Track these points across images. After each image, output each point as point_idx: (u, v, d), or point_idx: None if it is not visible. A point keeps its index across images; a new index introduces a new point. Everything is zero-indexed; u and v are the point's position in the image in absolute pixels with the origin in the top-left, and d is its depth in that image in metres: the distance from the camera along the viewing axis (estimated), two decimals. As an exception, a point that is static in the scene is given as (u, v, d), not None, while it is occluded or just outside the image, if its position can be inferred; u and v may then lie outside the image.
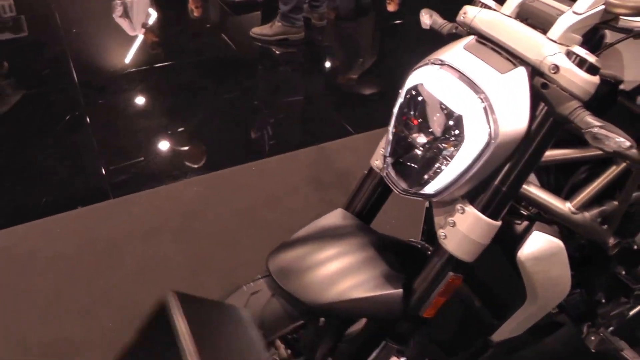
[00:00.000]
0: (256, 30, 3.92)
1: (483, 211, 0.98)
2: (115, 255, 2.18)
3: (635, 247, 1.37)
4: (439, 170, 0.97)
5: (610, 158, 1.10)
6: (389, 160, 1.05)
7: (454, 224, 1.00)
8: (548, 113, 0.92)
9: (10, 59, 3.61)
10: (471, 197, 0.99)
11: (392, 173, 1.05)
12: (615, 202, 1.16)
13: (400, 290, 1.07)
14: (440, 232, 1.03)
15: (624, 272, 1.42)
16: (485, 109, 0.91)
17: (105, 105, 3.22)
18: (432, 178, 0.98)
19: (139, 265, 2.14)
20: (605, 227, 1.19)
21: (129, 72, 3.53)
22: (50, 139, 2.91)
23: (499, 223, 1.00)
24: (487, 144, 0.91)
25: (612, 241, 1.21)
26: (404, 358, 1.28)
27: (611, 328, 1.47)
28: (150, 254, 2.19)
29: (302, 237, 1.18)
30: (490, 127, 0.91)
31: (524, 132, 0.93)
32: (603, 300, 1.44)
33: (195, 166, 2.79)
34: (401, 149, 1.03)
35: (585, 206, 1.12)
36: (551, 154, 1.09)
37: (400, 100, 1.04)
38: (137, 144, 2.90)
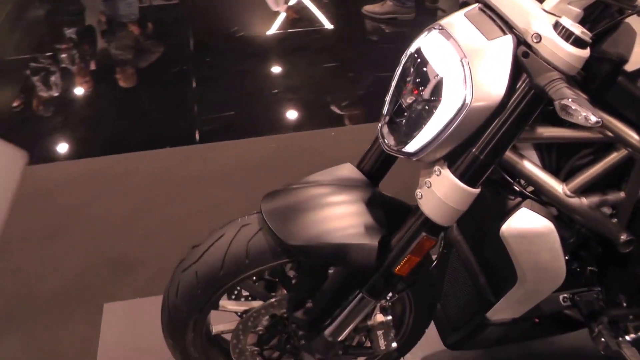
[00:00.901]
0: (368, 8, 3.97)
1: (460, 177, 1.00)
2: (186, 193, 2.40)
3: None
4: (418, 130, 0.99)
5: (612, 144, 1.05)
6: (385, 118, 1.09)
7: (430, 185, 1.03)
8: (528, 83, 0.91)
9: (154, 21, 3.97)
10: (450, 162, 1.01)
11: (385, 130, 1.09)
12: (622, 194, 1.10)
13: (376, 244, 1.11)
14: (418, 192, 1.05)
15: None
16: (463, 72, 0.92)
17: (212, 63, 3.46)
18: (412, 137, 1.01)
19: (203, 204, 2.32)
20: (614, 220, 1.14)
21: (242, 37, 3.75)
22: (160, 85, 3.22)
23: (475, 190, 1.01)
24: (461, 107, 0.93)
25: (624, 237, 1.15)
26: (390, 317, 1.33)
27: (631, 336, 1.38)
28: (217, 196, 2.37)
29: (303, 182, 1.25)
30: (465, 91, 0.92)
31: (499, 100, 0.92)
32: (624, 304, 1.36)
33: (279, 126, 2.94)
34: (395, 108, 1.07)
35: (583, 191, 1.08)
36: (552, 133, 1.06)
37: (403, 61, 1.07)
38: (230, 100, 3.10)
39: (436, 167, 1.02)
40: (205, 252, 1.22)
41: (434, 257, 1.23)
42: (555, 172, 1.11)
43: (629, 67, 0.96)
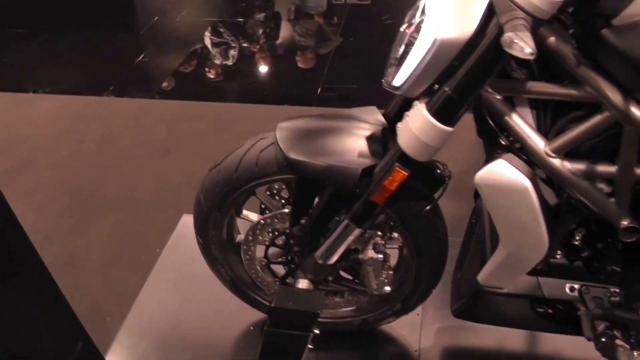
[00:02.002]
0: None
1: (433, 114, 1.04)
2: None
3: None
4: (402, 65, 1.06)
5: (600, 106, 0.99)
6: (391, 56, 1.16)
7: (407, 119, 1.08)
8: (497, 23, 0.93)
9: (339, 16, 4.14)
10: (427, 99, 1.05)
11: (387, 69, 1.15)
12: (613, 168, 1.04)
13: (359, 169, 1.19)
14: (398, 125, 1.11)
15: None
16: (438, 8, 0.97)
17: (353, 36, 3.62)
18: (397, 72, 1.07)
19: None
20: (611, 200, 1.08)
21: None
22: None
23: (447, 129, 1.04)
24: (433, 41, 0.97)
25: (625, 223, 1.08)
26: (381, 255, 1.39)
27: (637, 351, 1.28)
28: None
29: (324, 114, 1.36)
30: (438, 25, 0.97)
31: (467, 36, 0.95)
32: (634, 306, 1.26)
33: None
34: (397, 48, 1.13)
35: (567, 154, 1.05)
36: (540, 88, 1.04)
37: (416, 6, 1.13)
38: (359, 74, 3.23)
39: (415, 102, 1.07)
40: (227, 157, 1.38)
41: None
42: (547, 133, 1.08)
43: (617, 21, 0.92)
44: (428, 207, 1.27)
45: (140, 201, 2.30)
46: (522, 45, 0.83)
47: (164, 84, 3.24)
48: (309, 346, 1.42)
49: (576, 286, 1.30)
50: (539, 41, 0.99)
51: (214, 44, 3.63)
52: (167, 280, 1.94)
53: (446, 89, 1.01)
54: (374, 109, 1.36)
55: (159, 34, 3.80)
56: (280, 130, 1.30)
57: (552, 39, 0.97)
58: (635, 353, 1.27)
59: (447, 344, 1.68)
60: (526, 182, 1.07)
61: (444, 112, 1.04)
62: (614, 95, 0.95)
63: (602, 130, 1.00)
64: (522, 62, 1.05)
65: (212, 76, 3.31)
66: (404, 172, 1.12)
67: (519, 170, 1.07)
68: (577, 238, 1.25)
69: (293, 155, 1.25)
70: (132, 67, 3.36)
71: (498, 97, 1.07)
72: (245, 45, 3.62)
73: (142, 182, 2.40)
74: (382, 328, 1.70)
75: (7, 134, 2.76)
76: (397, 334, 1.71)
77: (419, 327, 1.71)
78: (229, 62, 3.44)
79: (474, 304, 1.40)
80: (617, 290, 1.28)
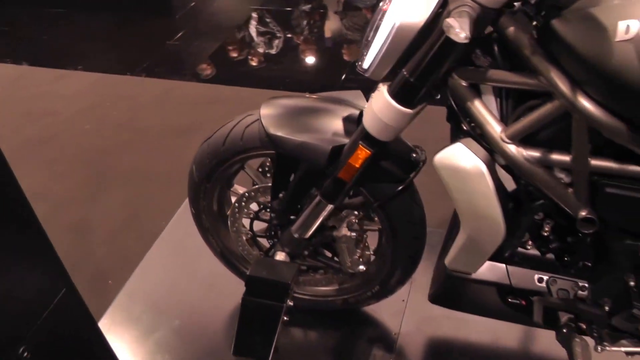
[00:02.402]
0: None
1: (393, 95, 1.09)
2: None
3: None
4: (369, 48, 1.11)
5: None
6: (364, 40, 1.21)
7: (371, 100, 1.13)
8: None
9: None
10: (389, 81, 1.10)
11: (362, 51, 1.20)
12: (568, 158, 1.06)
13: (329, 147, 1.24)
14: (365, 106, 1.16)
15: (632, 283, 1.21)
16: None
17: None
18: (365, 55, 1.12)
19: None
20: (570, 190, 1.10)
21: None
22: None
23: (406, 110, 1.09)
24: (393, 26, 1.03)
25: (582, 213, 1.09)
26: (354, 234, 1.43)
27: (602, 346, 1.28)
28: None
29: (309, 95, 1.41)
30: (398, 11, 1.02)
31: (422, 22, 1.00)
32: (606, 308, 1.26)
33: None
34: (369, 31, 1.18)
35: (525, 141, 1.07)
36: (499, 76, 1.06)
37: None
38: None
39: (379, 84, 1.12)
40: (217, 131, 1.46)
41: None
42: (507, 120, 1.11)
43: (566, 12, 0.94)
44: (400, 188, 1.31)
45: (154, 176, 2.40)
46: (458, 31, 0.88)
47: (195, 68, 3.35)
48: (285, 318, 1.48)
49: (545, 277, 1.31)
50: (500, 30, 1.02)
51: (259, 33, 3.70)
52: (169, 251, 2.03)
53: (405, 72, 1.06)
54: (358, 92, 1.41)
55: (195, 18, 3.92)
56: (265, 108, 1.36)
57: (511, 28, 1.00)
58: (599, 348, 1.28)
59: (427, 331, 1.70)
60: (482, 167, 1.10)
61: (403, 95, 1.08)
62: (564, 85, 0.97)
63: (553, 118, 1.02)
64: (487, 51, 1.08)
65: (252, 63, 3.39)
66: (367, 151, 1.17)
67: (476, 155, 1.10)
68: (547, 229, 1.26)
69: (272, 131, 1.31)
70: (164, 50, 3.49)
71: (464, 83, 1.10)
72: (289, 35, 3.68)
73: (158, 159, 2.50)
74: (366, 311, 1.75)
75: (41, 106, 2.91)
76: (380, 317, 1.74)
77: (402, 313, 1.74)
78: (272, 51, 3.50)
79: (445, 289, 1.43)
80: (586, 284, 1.29)
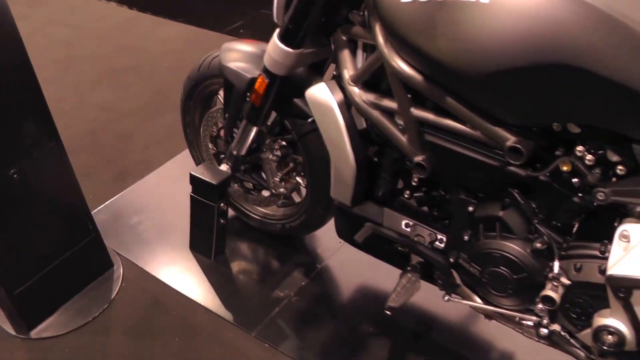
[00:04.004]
0: None
1: (280, 37, 1.41)
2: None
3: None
4: None
5: None
6: None
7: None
8: None
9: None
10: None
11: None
12: (395, 105, 1.26)
13: (249, 76, 1.59)
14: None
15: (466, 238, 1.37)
16: None
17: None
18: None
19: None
20: (405, 136, 1.30)
21: None
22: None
23: (289, 50, 1.39)
24: None
25: (417, 159, 1.28)
26: (274, 157, 1.74)
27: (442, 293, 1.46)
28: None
29: (261, 42, 1.74)
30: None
31: None
32: (451, 259, 1.41)
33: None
34: None
35: (367, 86, 1.30)
36: (358, 33, 1.32)
37: None
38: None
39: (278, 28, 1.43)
40: (200, 61, 1.83)
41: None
42: None
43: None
44: (309, 121, 1.58)
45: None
46: None
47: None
48: (221, 220, 1.83)
49: (410, 223, 1.51)
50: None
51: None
52: (181, 170, 2.42)
53: (285, 17, 1.36)
54: None
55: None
56: (225, 46, 1.71)
57: None
58: (446, 297, 1.46)
59: (348, 270, 1.94)
60: (333, 104, 1.35)
61: (285, 36, 1.40)
62: (380, 38, 1.19)
63: (377, 67, 1.25)
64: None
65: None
66: (265, 81, 1.49)
67: (332, 93, 1.36)
68: (415, 179, 1.46)
69: (221, 62, 1.66)
70: (255, 14, 3.93)
71: (343, 37, 1.36)
72: None
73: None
74: (303, 244, 2.03)
75: (136, 44, 3.50)
76: (311, 250, 2.02)
77: (333, 251, 2.00)
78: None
79: (339, 223, 1.66)
80: (444, 238, 1.47)
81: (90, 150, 2.58)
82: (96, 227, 1.87)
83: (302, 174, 1.80)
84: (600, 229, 1.16)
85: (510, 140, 1.11)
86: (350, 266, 1.95)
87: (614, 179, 1.10)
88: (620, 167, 1.08)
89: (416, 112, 1.25)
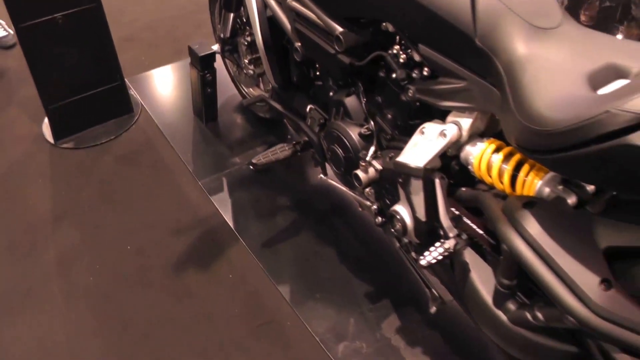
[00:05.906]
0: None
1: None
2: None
3: None
4: None
5: None
6: None
7: None
8: None
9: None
10: None
11: None
12: None
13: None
14: None
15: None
16: None
17: None
18: None
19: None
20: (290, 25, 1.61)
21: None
22: None
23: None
24: None
25: (296, 43, 1.59)
26: (245, 42, 2.07)
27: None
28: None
29: None
30: None
31: None
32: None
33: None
34: None
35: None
36: None
37: None
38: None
39: None
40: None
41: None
42: None
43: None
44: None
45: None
46: None
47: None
48: (207, 89, 2.23)
49: (311, 106, 1.71)
50: None
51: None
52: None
53: None
54: None
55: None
56: None
57: None
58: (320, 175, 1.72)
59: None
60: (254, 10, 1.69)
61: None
62: None
63: None
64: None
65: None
66: None
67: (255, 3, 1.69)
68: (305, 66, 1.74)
69: None
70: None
71: None
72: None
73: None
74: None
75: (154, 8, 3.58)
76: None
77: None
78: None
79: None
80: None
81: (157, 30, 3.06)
82: (123, 77, 2.36)
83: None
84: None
85: (337, 30, 1.34)
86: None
87: (421, 80, 1.26)
88: (426, 68, 1.24)
89: (291, 2, 1.52)
